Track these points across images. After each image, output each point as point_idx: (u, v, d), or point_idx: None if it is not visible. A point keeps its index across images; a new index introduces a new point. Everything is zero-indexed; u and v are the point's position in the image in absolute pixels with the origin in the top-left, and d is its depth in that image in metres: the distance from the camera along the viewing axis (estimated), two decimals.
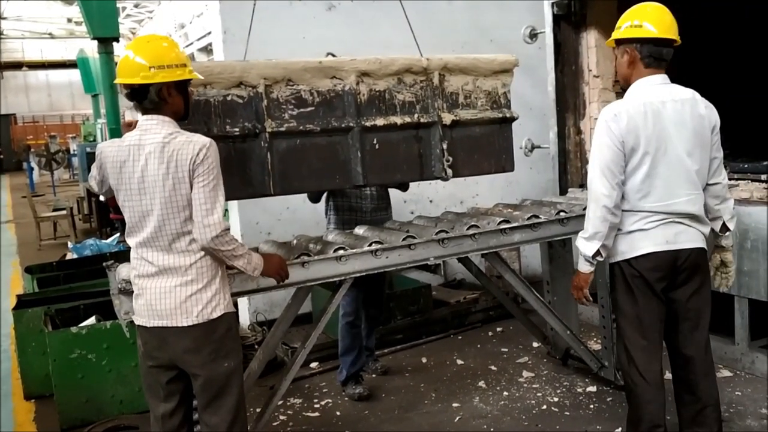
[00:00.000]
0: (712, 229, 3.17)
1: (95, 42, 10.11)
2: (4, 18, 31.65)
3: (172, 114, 2.72)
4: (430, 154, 3.65)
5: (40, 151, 20.33)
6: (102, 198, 10.99)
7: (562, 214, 3.86)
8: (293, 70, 3.27)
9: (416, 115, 3.56)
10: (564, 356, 4.66)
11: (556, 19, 5.20)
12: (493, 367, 4.85)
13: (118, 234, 8.58)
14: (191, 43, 28.59)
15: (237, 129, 3.18)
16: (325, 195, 4.44)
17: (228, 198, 3.42)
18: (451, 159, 3.64)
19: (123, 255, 6.59)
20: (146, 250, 2.72)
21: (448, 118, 3.61)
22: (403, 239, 3.53)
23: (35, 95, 36.84)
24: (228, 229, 2.72)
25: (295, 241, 3.89)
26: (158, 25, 32.79)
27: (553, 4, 5.16)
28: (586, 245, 3.05)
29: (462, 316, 5.72)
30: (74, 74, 31.64)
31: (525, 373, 4.68)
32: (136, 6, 32.44)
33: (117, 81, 2.67)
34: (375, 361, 4.89)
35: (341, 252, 3.39)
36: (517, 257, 6.24)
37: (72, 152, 23.80)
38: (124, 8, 27.33)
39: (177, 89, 2.71)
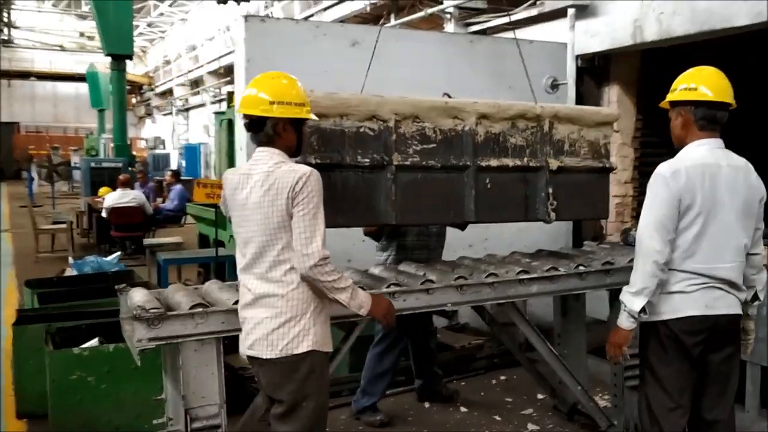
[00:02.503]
0: None
1: (106, 57, 10.15)
2: (17, 27, 31.88)
3: (285, 149, 2.81)
4: (535, 196, 3.80)
5: (42, 161, 20.28)
6: (104, 214, 10.94)
7: (581, 268, 3.83)
8: (421, 108, 3.44)
9: (525, 159, 3.72)
10: (570, 411, 4.59)
11: (579, 72, 5.23)
12: (497, 417, 4.77)
13: (119, 252, 8.50)
14: (201, 66, 28.62)
15: (367, 160, 3.34)
16: (386, 233, 4.51)
17: (354, 225, 3.81)
18: (555, 203, 3.78)
19: (125, 275, 6.53)
20: (247, 277, 2.82)
21: (554, 164, 3.76)
22: (422, 283, 3.49)
23: (41, 105, 37.04)
24: (328, 258, 2.72)
25: None
26: (169, 46, 33.20)
27: (577, 57, 5.19)
28: (633, 300, 3.02)
29: (466, 361, 5.65)
30: (81, 87, 31.87)
31: (530, 426, 4.61)
32: (149, 25, 32.84)
33: (238, 111, 2.82)
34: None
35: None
36: (522, 305, 6.18)
37: (73, 165, 23.81)
38: (136, 27, 27.48)
39: (292, 126, 2.81)
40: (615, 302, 4.09)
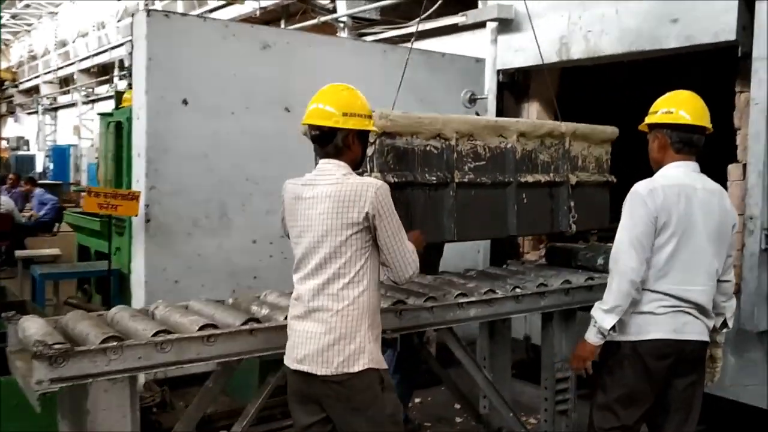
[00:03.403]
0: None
1: None
2: None
3: (350, 161, 2.77)
4: (558, 210, 4.01)
5: None
6: None
7: (517, 290, 3.69)
8: (477, 127, 3.55)
9: (551, 174, 3.91)
10: None
11: (500, 87, 5.16)
12: None
13: None
14: (72, 63, 26.84)
15: (434, 178, 3.40)
16: None
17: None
18: (576, 215, 4.03)
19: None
20: (302, 289, 2.73)
21: (573, 178, 3.99)
22: None
23: None
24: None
25: (231, 300, 3.48)
26: (36, 40, 30.98)
27: (498, 71, 5.11)
28: (604, 317, 2.96)
29: None
30: None
31: None
32: (13, 17, 30.48)
33: (308, 122, 2.73)
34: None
35: None
36: None
37: None
38: None
39: (359, 138, 2.78)
40: (547, 324, 4.02)
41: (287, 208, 2.80)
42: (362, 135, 2.80)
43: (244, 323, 2.92)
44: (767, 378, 3.90)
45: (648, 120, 3.11)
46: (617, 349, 3.05)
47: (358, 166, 2.85)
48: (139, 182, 5.04)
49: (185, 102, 5.09)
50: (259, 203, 5.48)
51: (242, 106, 5.39)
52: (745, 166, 3.98)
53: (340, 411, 2.70)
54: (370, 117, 2.79)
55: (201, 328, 2.83)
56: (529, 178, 3.80)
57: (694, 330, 2.98)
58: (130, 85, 9.57)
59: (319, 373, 2.63)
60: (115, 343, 2.62)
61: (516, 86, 5.21)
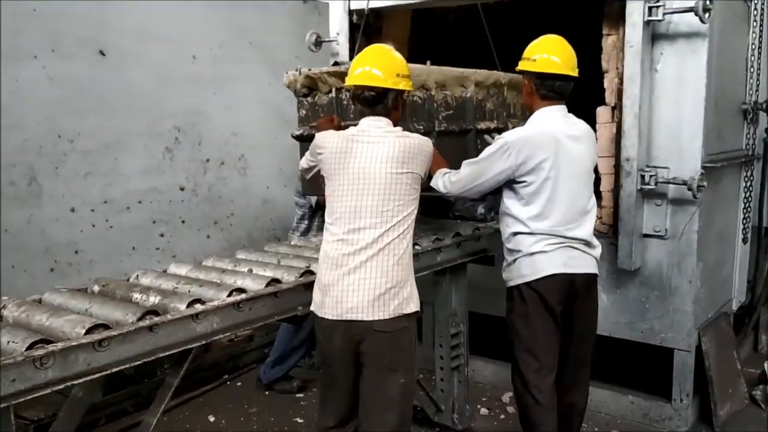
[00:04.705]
0: None
1: None
2: None
3: (394, 120, 2.82)
4: None
5: None
6: None
7: (417, 247, 3.44)
8: (448, 77, 3.58)
9: (494, 122, 3.92)
10: None
11: (351, 29, 4.78)
12: (299, 420, 4.20)
13: None
14: None
15: (422, 127, 3.39)
16: (315, 204, 4.43)
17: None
18: None
19: None
20: (354, 237, 2.66)
21: (510, 125, 3.93)
22: (267, 284, 2.78)
23: None
24: None
25: (97, 288, 2.83)
26: None
27: (352, 12, 4.73)
28: (440, 184, 3.19)
29: (236, 357, 4.95)
30: None
31: None
32: None
33: (362, 83, 2.74)
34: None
35: (200, 306, 2.52)
36: None
37: None
38: None
39: (401, 98, 2.86)
40: (441, 279, 3.84)
41: (330, 158, 2.75)
42: (402, 95, 2.85)
43: (141, 318, 2.35)
44: (638, 313, 4.09)
45: (519, 66, 3.16)
46: (519, 294, 3.14)
47: (395, 125, 2.84)
48: None
49: None
50: (76, 164, 4.64)
51: (47, 49, 4.46)
52: (613, 108, 4.05)
53: (380, 365, 2.68)
54: (410, 77, 2.85)
55: (89, 331, 2.22)
56: (482, 126, 3.83)
57: (582, 263, 3.12)
58: None
59: (376, 318, 2.61)
60: None
61: (368, 28, 4.86)
